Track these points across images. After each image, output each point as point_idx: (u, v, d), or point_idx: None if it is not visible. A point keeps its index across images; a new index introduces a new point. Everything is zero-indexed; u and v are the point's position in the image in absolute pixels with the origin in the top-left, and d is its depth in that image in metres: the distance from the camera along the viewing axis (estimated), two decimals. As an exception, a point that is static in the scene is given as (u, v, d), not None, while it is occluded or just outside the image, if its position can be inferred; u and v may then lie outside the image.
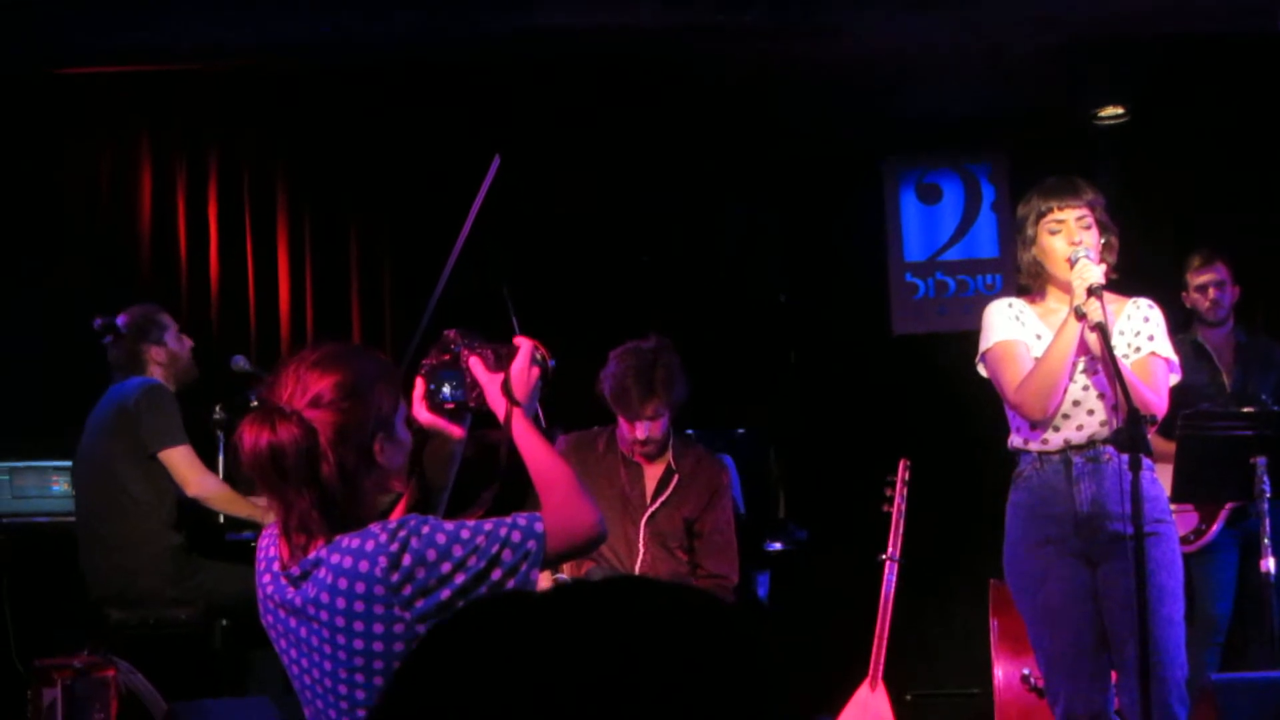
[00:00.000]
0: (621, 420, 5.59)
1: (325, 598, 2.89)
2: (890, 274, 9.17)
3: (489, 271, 6.61)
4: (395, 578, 2.85)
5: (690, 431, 6.11)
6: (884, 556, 6.41)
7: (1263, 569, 5.59)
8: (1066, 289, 4.59)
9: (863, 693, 6.27)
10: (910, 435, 7.92)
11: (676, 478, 5.67)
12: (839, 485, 8.10)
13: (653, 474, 5.68)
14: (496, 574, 2.91)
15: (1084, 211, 4.64)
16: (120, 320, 6.32)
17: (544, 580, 5.61)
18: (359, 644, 2.88)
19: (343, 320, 8.43)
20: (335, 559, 2.88)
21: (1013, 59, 7.95)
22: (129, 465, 6.10)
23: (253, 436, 2.87)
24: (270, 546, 3.06)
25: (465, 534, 2.91)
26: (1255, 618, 6.00)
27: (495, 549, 2.91)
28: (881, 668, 6.27)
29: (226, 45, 7.77)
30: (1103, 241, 4.66)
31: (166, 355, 6.30)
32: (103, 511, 6.13)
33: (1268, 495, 5.53)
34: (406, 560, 2.85)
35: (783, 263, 9.01)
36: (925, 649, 8.34)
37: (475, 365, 3.33)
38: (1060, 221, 4.63)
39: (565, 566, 5.74)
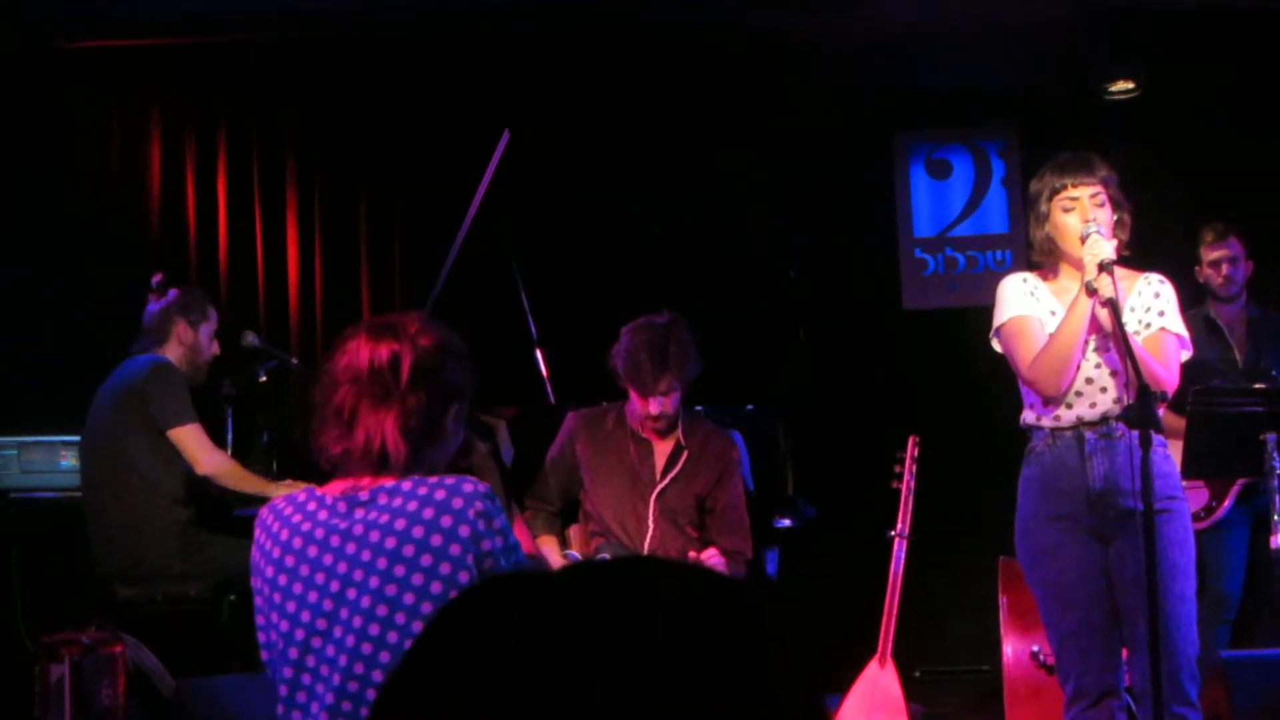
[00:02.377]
0: (634, 395, 5.58)
1: (401, 524, 2.99)
2: (900, 249, 9.15)
3: (498, 245, 6.60)
4: (482, 526, 2.99)
5: (699, 408, 6.10)
6: (893, 533, 6.40)
7: (1273, 545, 5.57)
8: (1079, 266, 4.57)
9: (872, 669, 6.26)
10: (920, 411, 7.91)
11: (686, 454, 5.66)
12: (848, 462, 8.10)
13: (662, 450, 5.67)
14: None
15: (1098, 189, 4.62)
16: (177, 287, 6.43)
17: (554, 555, 5.61)
18: (417, 579, 2.96)
19: (352, 295, 8.43)
20: (423, 490, 3.01)
21: (1023, 33, 7.93)
22: (137, 441, 6.10)
23: (372, 346, 3.10)
24: (301, 494, 3.14)
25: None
26: (1266, 595, 5.99)
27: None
28: (890, 645, 6.27)
29: (237, 18, 7.76)
30: (1115, 218, 4.64)
31: (192, 340, 6.32)
32: (109, 487, 6.13)
33: (1278, 472, 5.51)
34: (499, 523, 3.02)
35: (792, 238, 8.99)
36: (935, 626, 8.35)
37: None
38: (1074, 199, 4.61)
39: (574, 543, 5.74)
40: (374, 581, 2.97)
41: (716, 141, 8.62)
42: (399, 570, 2.96)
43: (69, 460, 6.85)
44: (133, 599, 6.05)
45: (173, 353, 6.25)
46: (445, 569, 2.95)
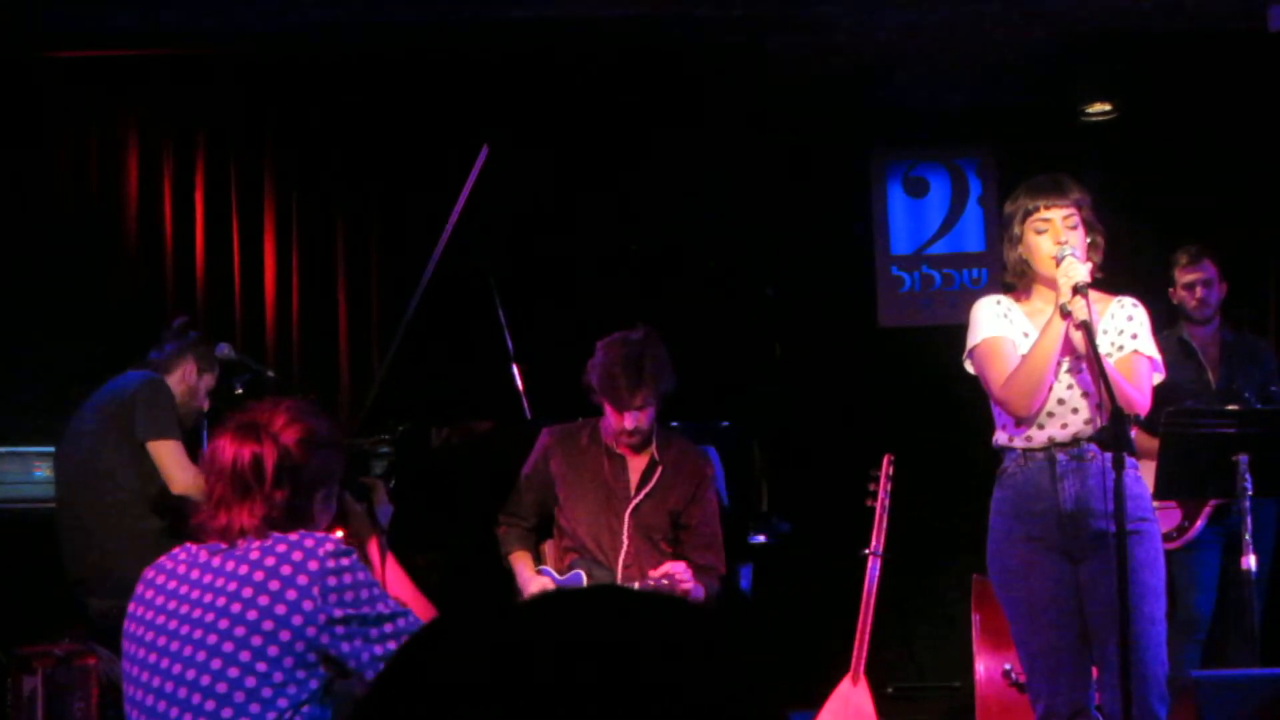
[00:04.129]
0: (609, 410, 5.58)
1: (255, 555, 3.24)
2: (876, 267, 9.18)
3: (475, 260, 6.60)
4: (331, 564, 3.21)
5: (674, 423, 6.11)
6: (867, 551, 6.41)
7: (1243, 566, 5.60)
8: (1053, 287, 4.60)
9: (844, 687, 6.27)
10: (895, 429, 7.92)
11: (660, 469, 5.66)
12: (823, 479, 8.11)
13: (636, 465, 5.68)
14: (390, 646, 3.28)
15: (1070, 211, 4.64)
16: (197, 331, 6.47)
17: (528, 571, 5.61)
18: (263, 600, 3.19)
19: (329, 308, 8.42)
20: (294, 537, 3.27)
21: (1001, 55, 7.96)
22: (117, 452, 6.08)
23: (235, 447, 3.34)
24: (181, 553, 3.40)
25: (384, 608, 3.28)
26: (1236, 615, 6.02)
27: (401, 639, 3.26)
28: (863, 663, 6.28)
29: (216, 31, 7.76)
30: (1089, 241, 4.66)
31: (194, 382, 6.32)
32: (86, 497, 6.11)
33: (1249, 493, 5.54)
34: (348, 561, 3.24)
35: (768, 254, 9.01)
36: (907, 643, 8.37)
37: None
38: (1046, 221, 4.64)
39: (548, 559, 5.74)
40: (221, 601, 3.22)
41: (694, 158, 8.63)
42: (247, 592, 3.20)
43: (42, 471, 6.82)
44: (106, 611, 6.03)
45: (171, 383, 6.24)
46: (291, 595, 3.18)
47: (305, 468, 3.34)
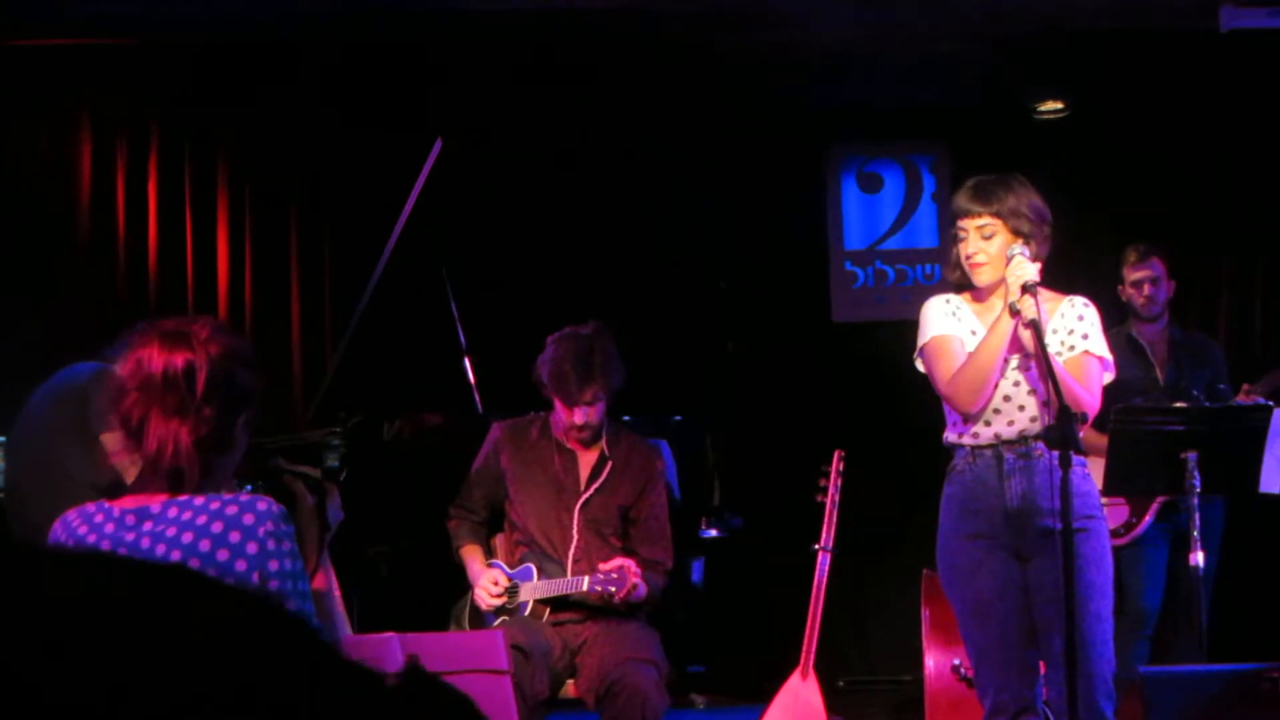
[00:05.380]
0: (559, 405, 5.59)
1: (188, 537, 2.94)
2: (830, 262, 9.20)
3: (428, 253, 6.59)
4: (271, 545, 2.95)
5: (626, 418, 6.12)
6: (817, 547, 6.43)
7: (1191, 563, 5.66)
8: (984, 291, 4.66)
9: (794, 682, 6.29)
10: (846, 424, 7.94)
11: (610, 464, 5.67)
12: (775, 473, 8.12)
13: (586, 460, 5.68)
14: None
15: (987, 221, 4.62)
16: None
17: (478, 565, 5.61)
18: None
19: (281, 299, 8.40)
20: (215, 505, 2.98)
21: (956, 53, 7.99)
22: (69, 442, 6.03)
23: (166, 355, 3.06)
24: (91, 506, 3.12)
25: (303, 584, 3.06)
26: (1184, 611, 6.07)
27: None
28: (813, 658, 6.29)
29: (171, 19, 7.72)
30: (1026, 244, 4.65)
31: None
32: (36, 486, 6.06)
33: (1197, 490, 5.59)
34: (288, 545, 2.99)
35: (723, 249, 9.02)
36: (857, 637, 8.40)
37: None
38: (964, 229, 4.67)
39: (499, 553, 5.74)
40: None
41: (648, 152, 8.63)
42: (175, 554, 2.93)
43: (-9, 461, 6.78)
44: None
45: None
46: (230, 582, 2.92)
47: (233, 382, 3.09)
